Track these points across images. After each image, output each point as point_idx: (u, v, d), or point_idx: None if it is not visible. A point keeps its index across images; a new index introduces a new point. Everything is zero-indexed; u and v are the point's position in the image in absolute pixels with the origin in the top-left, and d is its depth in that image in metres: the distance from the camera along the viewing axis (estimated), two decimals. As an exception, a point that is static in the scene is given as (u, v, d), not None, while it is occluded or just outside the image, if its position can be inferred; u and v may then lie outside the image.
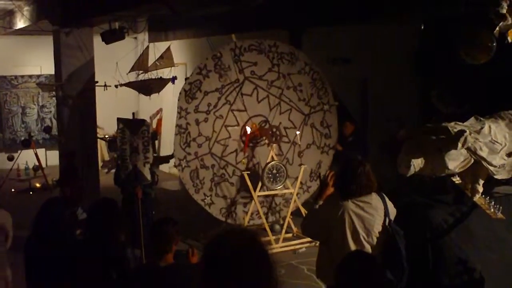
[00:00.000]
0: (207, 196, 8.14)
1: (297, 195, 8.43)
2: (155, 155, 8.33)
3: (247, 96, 8.38)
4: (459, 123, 5.02)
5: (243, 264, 2.19)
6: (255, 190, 8.08)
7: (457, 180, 5.29)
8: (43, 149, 14.14)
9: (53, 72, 10.50)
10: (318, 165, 8.85)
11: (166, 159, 8.37)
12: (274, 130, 8.40)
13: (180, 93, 8.02)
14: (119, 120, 7.57)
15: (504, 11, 4.42)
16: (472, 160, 4.91)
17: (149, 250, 3.88)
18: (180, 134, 7.96)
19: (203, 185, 8.11)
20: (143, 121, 7.89)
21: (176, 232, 3.79)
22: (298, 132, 8.46)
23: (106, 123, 13.59)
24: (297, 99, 8.72)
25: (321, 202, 4.22)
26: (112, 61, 10.36)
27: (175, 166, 7.98)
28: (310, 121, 8.82)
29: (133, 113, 14.29)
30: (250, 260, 2.21)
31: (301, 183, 8.59)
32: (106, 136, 13.80)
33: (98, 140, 11.22)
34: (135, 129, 7.40)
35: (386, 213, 4.10)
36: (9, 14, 12.34)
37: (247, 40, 8.39)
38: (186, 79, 8.30)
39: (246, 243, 2.25)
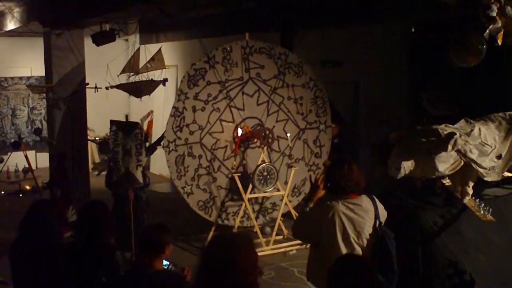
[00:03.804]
0: (188, 185, 8.09)
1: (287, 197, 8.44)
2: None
3: (248, 96, 8.38)
4: (449, 125, 5.04)
5: (238, 265, 2.31)
6: (245, 192, 8.07)
7: (447, 182, 5.32)
8: (33, 151, 14.05)
9: (43, 74, 10.44)
10: (303, 182, 8.81)
11: (157, 143, 8.31)
12: (267, 132, 8.40)
13: (184, 77, 8.03)
14: (112, 122, 7.54)
15: (494, 14, 4.44)
16: (462, 163, 4.93)
17: (139, 254, 3.85)
18: (175, 116, 7.93)
19: (186, 173, 8.07)
20: (137, 124, 7.87)
21: (167, 240, 3.77)
22: (289, 134, 8.46)
23: (97, 125, 13.56)
24: (296, 111, 8.70)
25: (311, 205, 4.22)
26: (103, 63, 10.32)
27: (162, 147, 7.93)
28: (303, 137, 8.80)
29: (126, 116, 14.29)
30: (244, 261, 2.34)
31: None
32: (97, 138, 13.76)
33: (89, 142, 11.18)
34: (128, 132, 7.38)
35: (377, 215, 4.11)
36: (-1, 16, 12.29)
37: (258, 42, 8.41)
38: (196, 65, 8.16)
39: (242, 246, 2.39)
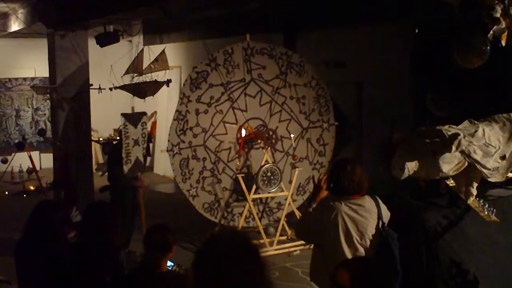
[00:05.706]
0: (193, 188, 8.10)
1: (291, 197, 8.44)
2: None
3: (251, 97, 8.39)
4: (453, 126, 5.03)
5: (233, 264, 2.17)
6: (249, 193, 8.07)
7: (451, 183, 5.31)
8: (37, 152, 14.10)
9: (47, 75, 10.46)
10: (307, 181, 8.81)
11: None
12: (271, 133, 8.40)
13: (186, 80, 8.06)
14: (122, 115, 7.74)
15: (498, 15, 4.43)
16: (466, 163, 4.92)
17: (146, 255, 3.86)
18: (178, 120, 7.94)
19: (191, 176, 8.07)
20: (143, 113, 8.05)
21: (172, 241, 3.79)
22: (293, 135, 8.47)
23: (101, 126, 13.57)
24: (298, 111, 8.72)
25: (314, 205, 4.22)
26: (107, 64, 10.33)
27: (167, 150, 7.94)
28: (307, 136, 8.81)
29: (133, 107, 14.34)
30: (240, 261, 2.19)
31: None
32: (101, 139, 13.78)
33: (93, 143, 11.20)
34: (135, 123, 7.57)
35: (380, 216, 4.11)
36: (4, 17, 12.32)
37: (260, 43, 8.41)
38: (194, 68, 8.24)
39: (236, 245, 2.24)
